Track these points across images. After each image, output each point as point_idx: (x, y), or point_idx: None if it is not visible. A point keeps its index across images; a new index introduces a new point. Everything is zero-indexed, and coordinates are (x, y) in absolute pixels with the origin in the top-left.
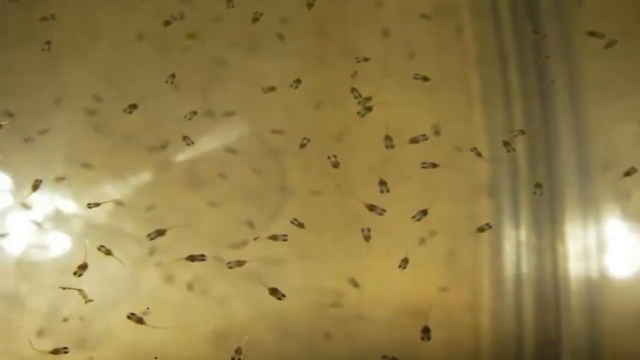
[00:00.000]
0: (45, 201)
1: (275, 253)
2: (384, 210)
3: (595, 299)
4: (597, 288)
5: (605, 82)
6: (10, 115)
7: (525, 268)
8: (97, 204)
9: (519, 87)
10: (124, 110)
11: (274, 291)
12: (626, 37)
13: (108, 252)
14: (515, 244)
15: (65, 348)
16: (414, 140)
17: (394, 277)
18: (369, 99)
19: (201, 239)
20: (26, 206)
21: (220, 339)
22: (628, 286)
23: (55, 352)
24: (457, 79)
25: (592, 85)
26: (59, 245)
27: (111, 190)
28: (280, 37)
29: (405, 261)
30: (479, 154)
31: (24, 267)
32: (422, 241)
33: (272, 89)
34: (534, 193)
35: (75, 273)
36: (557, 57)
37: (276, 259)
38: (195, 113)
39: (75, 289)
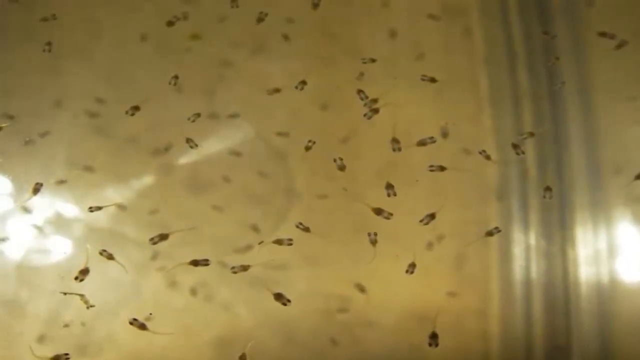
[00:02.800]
0: (46, 205)
1: (280, 258)
2: (391, 214)
3: (606, 304)
4: (607, 293)
5: (616, 84)
6: (11, 117)
7: (534, 273)
8: (99, 208)
9: (529, 88)
10: (126, 112)
11: (279, 296)
12: (637, 37)
13: (110, 257)
14: (524, 248)
15: (67, 354)
16: (422, 143)
17: (401, 282)
18: (375, 100)
19: (205, 244)
20: (27, 210)
21: (224, 345)
22: (639, 291)
23: (56, 358)
24: (466, 80)
25: (603, 86)
26: (60, 249)
27: (113, 194)
28: (286, 37)
29: (412, 266)
30: (487, 157)
31: (25, 272)
32: (429, 245)
33: (277, 90)
34: (544, 196)
35: (76, 278)
36: (567, 58)
37: (281, 263)
38: (198, 115)
39: (77, 294)
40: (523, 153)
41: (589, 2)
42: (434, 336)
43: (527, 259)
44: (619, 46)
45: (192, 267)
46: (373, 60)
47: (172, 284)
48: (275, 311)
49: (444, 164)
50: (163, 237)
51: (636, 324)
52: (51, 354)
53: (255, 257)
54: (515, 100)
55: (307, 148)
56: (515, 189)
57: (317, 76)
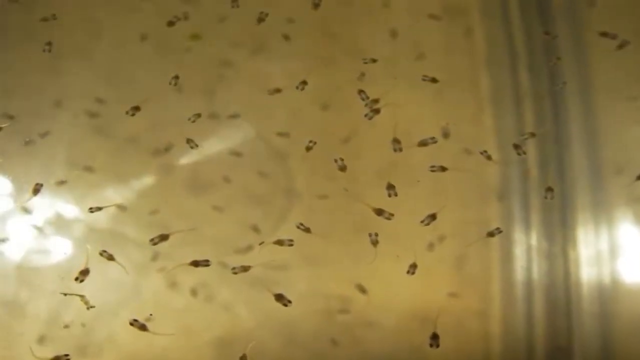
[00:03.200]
0: (46, 205)
1: (281, 258)
2: (392, 215)
3: (607, 305)
4: (609, 294)
5: (617, 84)
6: (11, 117)
7: (536, 273)
8: (99, 208)
9: (530, 88)
10: (127, 113)
11: (279, 297)
12: (639, 37)
13: (110, 257)
14: (525, 249)
15: (67, 355)
16: (423, 143)
17: (402, 282)
18: (376, 100)
19: (205, 244)
20: (27, 210)
21: (224, 345)
22: None
23: (57, 359)
24: (467, 80)
25: (604, 86)
26: (60, 250)
27: (113, 194)
28: (286, 37)
29: (413, 266)
30: (488, 157)
31: (25, 272)
32: (430, 246)
33: (277, 90)
34: (545, 197)
35: (76, 279)
36: (568, 58)
37: (282, 264)
38: (199, 115)
39: (77, 295)
40: (524, 153)
41: (590, 2)
42: (434, 337)
43: (528, 260)
44: (621, 46)
45: (192, 267)
46: (374, 61)
47: (173, 285)
48: (275, 312)
49: (445, 165)
50: (163, 237)
51: (637, 324)
52: (51, 355)
53: (256, 257)
54: (516, 101)
55: (308, 148)
56: (517, 189)
57: (318, 76)
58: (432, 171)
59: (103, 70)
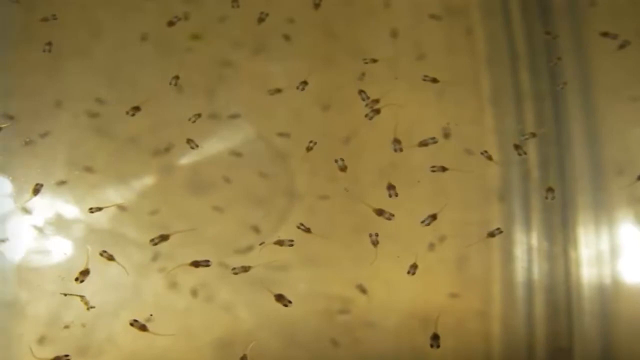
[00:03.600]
0: (46, 206)
1: (281, 259)
2: (393, 215)
3: (608, 305)
4: (610, 294)
5: (618, 84)
6: (11, 117)
7: (536, 274)
8: (99, 209)
9: (531, 89)
10: (127, 113)
11: (280, 297)
12: None
13: (110, 258)
14: (526, 249)
15: (67, 356)
16: (423, 143)
17: (402, 283)
18: (377, 101)
19: (205, 245)
20: (27, 211)
21: (225, 346)
22: None
23: (57, 359)
24: (467, 80)
25: (605, 86)
26: (60, 250)
27: (114, 195)
28: (287, 37)
29: (414, 267)
30: (489, 158)
31: (25, 273)
32: (431, 246)
33: (278, 90)
34: (546, 197)
35: (76, 279)
36: (569, 58)
37: (282, 264)
38: (199, 115)
39: (77, 296)
40: (525, 154)
41: (591, 2)
42: (435, 337)
43: (529, 260)
44: (622, 46)
45: (193, 268)
46: (374, 61)
47: (173, 285)
48: (276, 312)
49: (445, 165)
50: (164, 237)
51: (638, 325)
52: (51, 355)
53: (256, 258)
54: (517, 101)
55: (308, 148)
56: (517, 189)
57: (319, 76)
58: (433, 171)
59: (103, 71)
